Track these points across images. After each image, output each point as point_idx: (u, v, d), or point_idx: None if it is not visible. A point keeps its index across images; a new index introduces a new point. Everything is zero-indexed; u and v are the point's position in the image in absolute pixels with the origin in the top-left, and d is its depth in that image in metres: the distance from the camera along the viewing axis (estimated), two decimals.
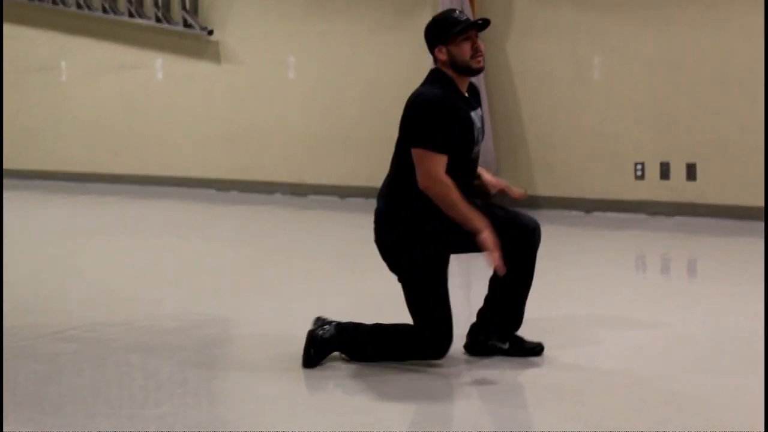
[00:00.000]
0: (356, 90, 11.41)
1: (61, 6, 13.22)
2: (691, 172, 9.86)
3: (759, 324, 6.24)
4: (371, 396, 5.14)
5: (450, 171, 5.42)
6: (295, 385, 5.38)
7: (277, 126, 11.71)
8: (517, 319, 5.73)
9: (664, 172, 9.98)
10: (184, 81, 12.61)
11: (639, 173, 10.09)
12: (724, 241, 8.96)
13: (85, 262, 8.86)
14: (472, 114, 5.55)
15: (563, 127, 10.43)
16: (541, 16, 10.43)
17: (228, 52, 12.18)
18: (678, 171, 9.92)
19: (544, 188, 10.54)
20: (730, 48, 9.58)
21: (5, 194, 12.75)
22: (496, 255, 5.23)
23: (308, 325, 5.68)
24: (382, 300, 6.85)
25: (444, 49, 5.51)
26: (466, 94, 5.60)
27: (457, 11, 5.67)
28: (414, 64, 10.95)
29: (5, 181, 13.72)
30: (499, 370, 5.47)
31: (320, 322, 5.73)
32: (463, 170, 5.54)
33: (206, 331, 6.47)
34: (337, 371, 5.47)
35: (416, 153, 5.40)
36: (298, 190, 11.60)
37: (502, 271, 5.28)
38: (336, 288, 7.33)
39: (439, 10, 10.40)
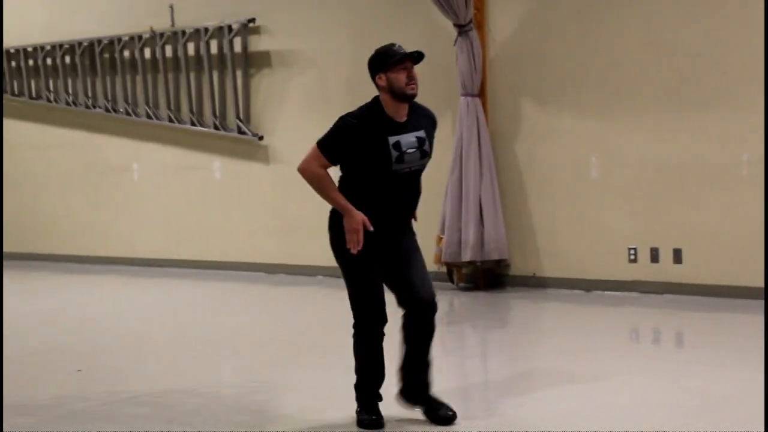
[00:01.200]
0: None
1: (133, 116, 13.32)
2: (677, 256, 9.88)
3: (739, 385, 6.31)
4: None
5: (371, 182, 5.62)
6: None
7: (317, 217, 11.56)
8: (421, 379, 5.88)
9: (654, 256, 10.01)
10: (239, 179, 12.67)
11: (632, 257, 10.13)
12: (707, 315, 8.92)
13: (155, 336, 8.89)
14: (400, 137, 5.62)
15: (566, 218, 10.48)
16: (545, 122, 10.48)
17: (276, 154, 12.26)
18: (666, 255, 9.95)
19: (549, 270, 10.58)
20: (707, 151, 9.60)
21: (88, 278, 12.92)
22: (354, 237, 5.52)
23: (351, 391, 5.78)
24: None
25: (383, 77, 5.68)
26: (404, 118, 5.69)
27: (396, 45, 5.79)
28: (435, 162, 11.01)
29: (89, 267, 13.79)
30: None
31: None
32: (387, 183, 5.64)
33: (260, 396, 6.53)
34: None
35: (311, 147, 5.65)
36: (336, 273, 11.47)
37: (354, 251, 5.54)
38: None
39: (458, 119, 10.60)
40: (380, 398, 5.89)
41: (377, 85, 5.73)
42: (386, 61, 5.69)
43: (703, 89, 9.65)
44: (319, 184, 5.63)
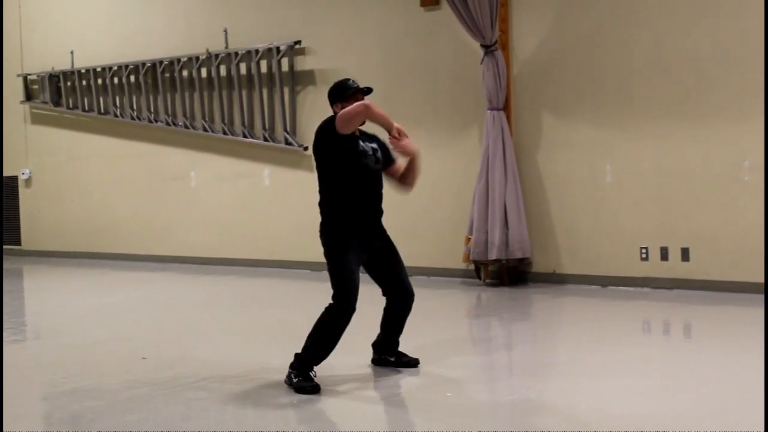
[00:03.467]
0: (420, 190, 11.46)
1: (191, 129, 13.42)
2: (685, 254, 9.83)
3: (744, 371, 6.27)
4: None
5: (353, 178, 6.17)
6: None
7: None
8: (396, 341, 6.66)
9: (664, 254, 9.96)
10: (286, 186, 12.70)
11: (644, 255, 10.08)
12: (713, 308, 8.89)
13: (210, 326, 8.88)
14: (360, 142, 6.22)
15: (583, 220, 10.45)
16: (564, 133, 10.49)
17: None
18: (675, 253, 9.91)
19: (569, 267, 10.55)
20: (712, 157, 9.60)
21: (150, 275, 12.99)
22: (406, 141, 6.10)
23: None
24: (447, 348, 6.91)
25: (340, 105, 6.26)
26: (357, 133, 6.25)
27: (351, 80, 6.36)
28: (465, 169, 11.04)
29: (150, 264, 13.82)
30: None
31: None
32: (364, 178, 6.21)
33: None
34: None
35: (340, 116, 6.04)
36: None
37: (411, 152, 6.16)
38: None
39: (485, 130, 10.58)
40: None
41: (334, 112, 6.24)
42: (342, 94, 6.29)
43: (708, 101, 9.60)
44: (360, 108, 6.01)
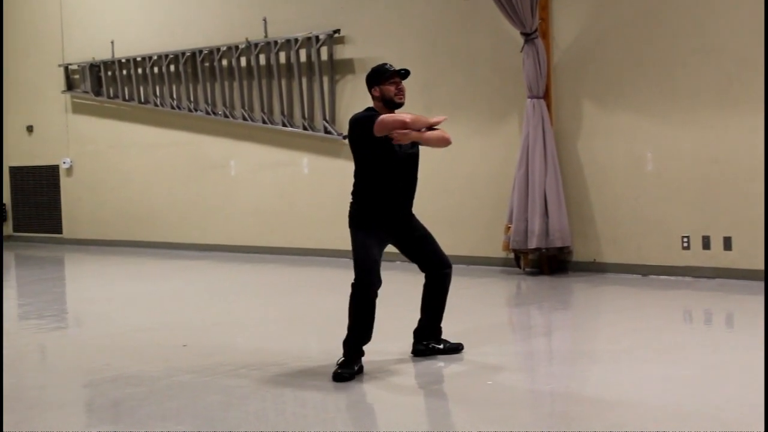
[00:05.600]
0: (459, 179, 11.49)
1: (230, 118, 13.49)
2: (727, 243, 9.75)
3: None
4: None
5: (384, 168, 6.26)
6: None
7: None
8: (438, 325, 6.66)
9: (706, 243, 9.88)
10: (325, 174, 12.71)
11: (685, 244, 10.00)
12: (756, 298, 8.80)
13: (250, 314, 8.96)
14: None
15: (624, 208, 10.39)
16: (604, 121, 10.44)
17: None
18: (717, 242, 9.82)
19: (609, 256, 10.50)
20: (754, 145, 9.48)
21: (191, 263, 13.07)
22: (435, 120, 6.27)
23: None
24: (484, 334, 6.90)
25: (378, 89, 6.35)
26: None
27: (388, 64, 6.42)
28: (504, 158, 11.02)
29: (191, 253, 13.90)
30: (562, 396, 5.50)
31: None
32: (395, 167, 6.28)
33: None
34: None
35: (378, 124, 6.16)
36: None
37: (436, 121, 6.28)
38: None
39: (524, 119, 10.54)
40: (363, 354, 6.28)
41: (372, 96, 6.39)
42: (379, 77, 6.36)
43: (750, 89, 9.50)
44: (397, 125, 6.16)
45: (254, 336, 7.83)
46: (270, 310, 9.20)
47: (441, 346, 6.68)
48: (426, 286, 6.62)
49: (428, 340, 6.70)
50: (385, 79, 6.32)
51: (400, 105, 6.36)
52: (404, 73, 6.34)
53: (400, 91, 6.32)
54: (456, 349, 6.71)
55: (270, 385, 6.09)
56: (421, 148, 6.49)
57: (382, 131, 6.18)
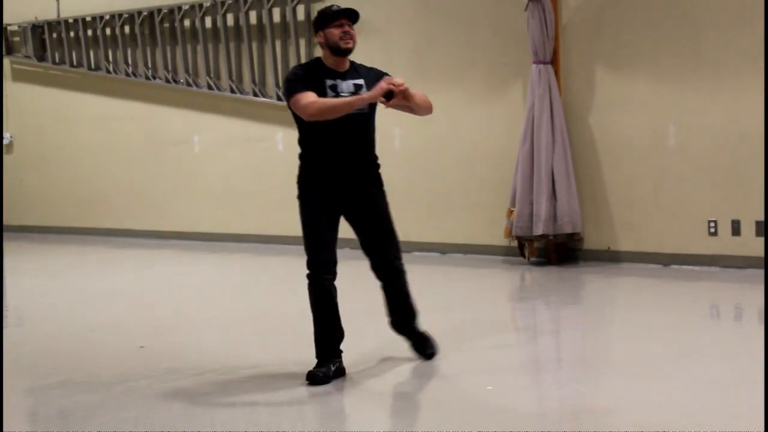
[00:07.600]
0: (455, 157, 11.47)
1: (194, 87, 13.45)
2: (759, 228, 9.76)
3: None
4: None
5: (325, 128, 6.11)
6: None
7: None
8: (409, 324, 6.66)
9: (735, 228, 9.90)
10: None
11: (712, 230, 10.02)
12: None
13: (216, 311, 8.91)
14: (336, 81, 6.20)
15: (642, 189, 10.39)
16: (620, 90, 10.41)
17: None
18: (748, 228, 9.84)
19: (625, 244, 10.51)
20: None
21: (148, 252, 13.05)
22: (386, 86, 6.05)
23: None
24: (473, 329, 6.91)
25: (322, 34, 6.26)
26: (344, 70, 6.28)
27: (335, 6, 6.31)
28: (506, 132, 11.02)
29: (148, 241, 13.96)
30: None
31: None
32: (339, 127, 6.13)
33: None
34: None
35: (291, 104, 6.11)
36: (403, 247, 11.59)
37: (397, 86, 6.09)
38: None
39: (529, 87, 10.53)
40: (339, 352, 6.33)
41: (319, 43, 6.32)
42: (324, 21, 6.27)
43: None
44: (325, 106, 6.03)
45: (221, 336, 7.84)
46: (239, 307, 9.19)
47: (411, 341, 6.70)
48: (382, 287, 6.63)
49: (400, 332, 6.73)
50: (329, 22, 6.22)
51: (347, 51, 6.24)
52: (350, 13, 6.24)
53: (347, 35, 6.20)
54: (423, 352, 6.65)
55: (239, 392, 6.09)
56: (385, 111, 6.45)
57: (313, 117, 6.06)
